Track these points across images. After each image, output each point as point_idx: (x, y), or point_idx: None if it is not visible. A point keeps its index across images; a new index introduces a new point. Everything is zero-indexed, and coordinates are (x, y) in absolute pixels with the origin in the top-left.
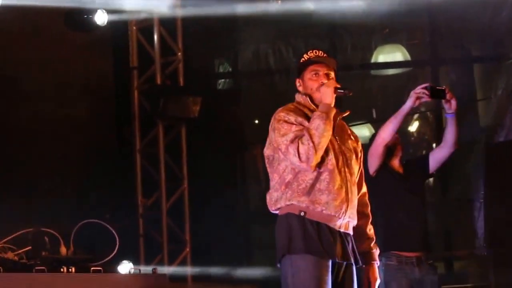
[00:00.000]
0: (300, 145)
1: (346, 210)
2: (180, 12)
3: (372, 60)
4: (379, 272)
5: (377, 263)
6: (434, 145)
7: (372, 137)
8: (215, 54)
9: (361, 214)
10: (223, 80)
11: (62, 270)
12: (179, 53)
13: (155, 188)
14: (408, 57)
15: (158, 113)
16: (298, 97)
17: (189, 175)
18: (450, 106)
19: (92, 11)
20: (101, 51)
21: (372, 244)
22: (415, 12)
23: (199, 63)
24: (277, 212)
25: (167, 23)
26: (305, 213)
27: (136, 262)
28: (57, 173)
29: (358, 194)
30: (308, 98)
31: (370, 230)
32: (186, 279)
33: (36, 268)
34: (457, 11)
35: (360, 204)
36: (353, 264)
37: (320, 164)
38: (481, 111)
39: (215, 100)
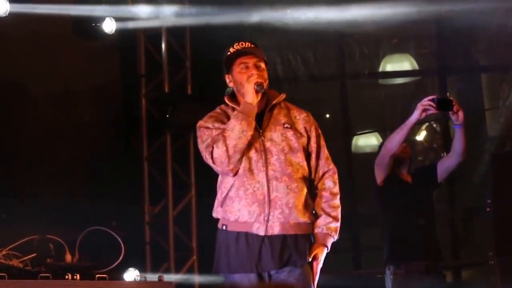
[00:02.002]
0: (215, 149)
1: (268, 212)
2: (188, 21)
3: (380, 69)
4: (387, 281)
5: (326, 248)
6: (442, 154)
7: (380, 147)
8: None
9: (315, 196)
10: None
11: (67, 277)
12: (187, 61)
13: (162, 196)
14: (416, 66)
15: (166, 121)
16: (227, 99)
17: (196, 183)
18: (457, 118)
19: (101, 19)
20: (109, 59)
21: (321, 226)
22: (423, 21)
23: (207, 71)
24: None
25: (176, 31)
26: (226, 226)
27: (142, 269)
28: (63, 180)
29: (314, 178)
30: (230, 98)
31: (326, 208)
32: (193, 287)
33: (41, 275)
34: (465, 21)
35: (315, 187)
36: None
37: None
38: (488, 121)
39: None
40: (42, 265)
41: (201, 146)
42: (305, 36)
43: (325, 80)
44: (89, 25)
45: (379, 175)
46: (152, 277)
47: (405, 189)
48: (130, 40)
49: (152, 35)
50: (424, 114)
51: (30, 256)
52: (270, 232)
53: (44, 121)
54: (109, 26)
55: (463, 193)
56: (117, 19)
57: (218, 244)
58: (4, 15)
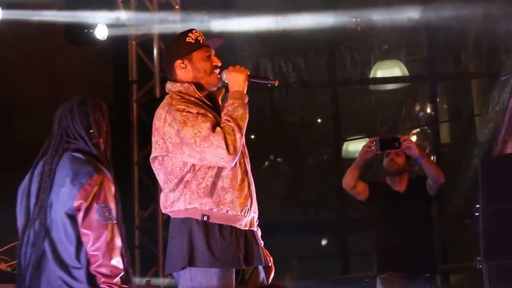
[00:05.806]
0: (227, 135)
1: (250, 206)
2: (179, 27)
3: (371, 75)
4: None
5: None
6: (433, 158)
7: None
8: None
9: None
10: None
11: None
12: None
13: (151, 200)
14: (406, 73)
15: None
16: (176, 86)
17: None
18: (409, 152)
19: (93, 26)
20: (101, 65)
21: None
22: (414, 28)
23: None
24: (170, 214)
25: (167, 38)
26: (208, 217)
27: None
28: None
29: None
30: (192, 86)
31: None
32: None
33: None
34: (454, 28)
35: None
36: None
37: None
38: (478, 126)
39: None
40: None
41: (191, 131)
42: (297, 43)
43: (317, 86)
44: (81, 32)
45: (359, 198)
46: (141, 280)
47: (393, 200)
48: (121, 46)
49: (144, 41)
50: (367, 155)
51: None
52: (248, 227)
53: (36, 126)
54: (101, 33)
55: (452, 197)
56: (109, 25)
57: (190, 235)
58: None
